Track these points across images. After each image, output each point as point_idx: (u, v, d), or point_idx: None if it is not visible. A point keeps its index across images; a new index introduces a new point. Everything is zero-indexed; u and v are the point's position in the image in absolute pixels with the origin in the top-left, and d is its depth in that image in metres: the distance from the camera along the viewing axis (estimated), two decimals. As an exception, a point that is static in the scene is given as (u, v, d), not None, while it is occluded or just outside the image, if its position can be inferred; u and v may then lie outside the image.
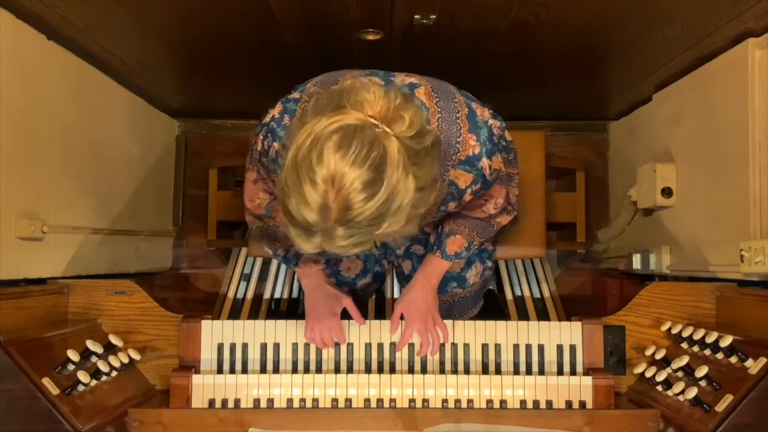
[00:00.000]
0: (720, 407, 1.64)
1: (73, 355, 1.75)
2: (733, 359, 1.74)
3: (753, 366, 1.67)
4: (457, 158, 1.62)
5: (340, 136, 1.32)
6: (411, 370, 2.01)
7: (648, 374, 1.92)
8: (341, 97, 1.40)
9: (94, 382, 1.77)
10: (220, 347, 2.03)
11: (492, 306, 2.40)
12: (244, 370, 2.02)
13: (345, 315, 2.03)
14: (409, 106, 1.42)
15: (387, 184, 1.32)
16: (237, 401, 1.92)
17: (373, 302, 2.63)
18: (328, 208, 1.32)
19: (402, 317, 2.00)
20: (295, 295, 2.87)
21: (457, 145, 1.61)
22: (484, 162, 1.64)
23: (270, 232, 1.92)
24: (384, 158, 1.33)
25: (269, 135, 1.67)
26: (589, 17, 1.96)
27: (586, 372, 1.99)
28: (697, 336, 1.90)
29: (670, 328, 2.02)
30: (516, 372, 2.01)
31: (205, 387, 1.92)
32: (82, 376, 1.71)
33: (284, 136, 1.55)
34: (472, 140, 1.62)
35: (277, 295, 2.87)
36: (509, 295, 2.82)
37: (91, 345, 1.82)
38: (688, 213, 2.32)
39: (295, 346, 2.03)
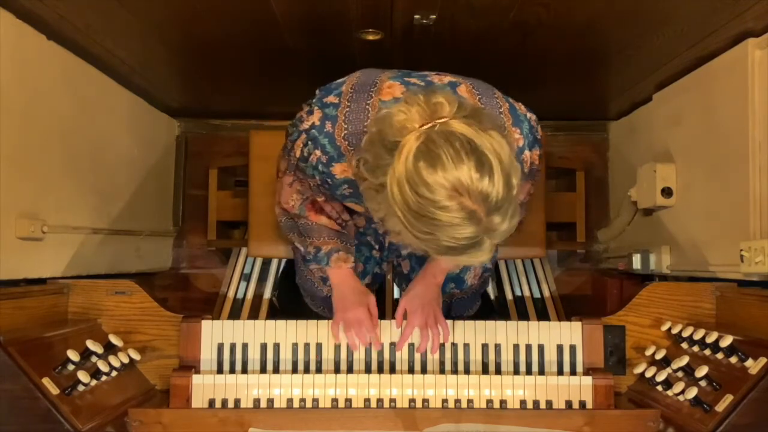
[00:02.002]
0: (720, 407, 1.64)
1: (73, 355, 1.75)
2: (733, 359, 1.74)
3: (753, 366, 1.67)
4: None
5: (423, 159, 1.33)
6: (411, 370, 2.01)
7: (648, 374, 1.92)
8: (383, 139, 1.41)
9: (94, 382, 1.77)
10: (220, 347, 2.03)
11: (482, 307, 2.40)
12: (244, 370, 2.02)
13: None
14: (433, 90, 1.44)
15: (488, 153, 1.34)
16: (237, 401, 1.92)
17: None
18: (474, 211, 1.33)
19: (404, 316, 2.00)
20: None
21: None
22: (526, 155, 1.66)
23: (302, 229, 1.92)
24: (467, 139, 1.34)
25: (309, 143, 1.66)
26: (589, 17, 1.96)
27: (586, 372, 1.99)
28: (697, 336, 1.90)
29: (670, 328, 2.02)
30: (516, 372, 2.01)
31: (205, 387, 1.92)
32: (82, 376, 1.71)
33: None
34: (516, 133, 1.64)
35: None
36: (509, 295, 2.82)
37: (91, 345, 1.82)
38: (688, 213, 2.32)
39: (295, 346, 2.03)
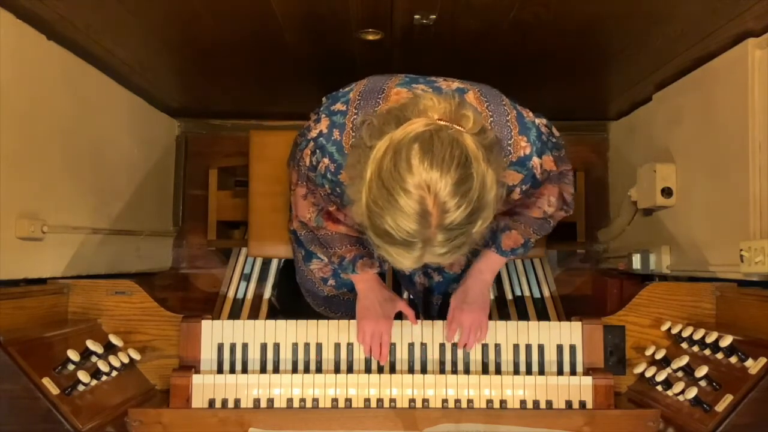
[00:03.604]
0: (720, 407, 1.64)
1: (73, 355, 1.75)
2: (733, 359, 1.74)
3: (753, 366, 1.67)
4: (509, 160, 1.63)
5: (421, 143, 1.34)
6: (411, 370, 2.01)
7: (648, 374, 1.92)
8: (400, 112, 1.42)
9: (94, 382, 1.77)
10: (220, 347, 2.03)
11: None
12: (244, 370, 2.02)
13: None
14: (467, 105, 1.45)
15: (476, 179, 1.35)
16: (237, 401, 1.92)
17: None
18: (428, 213, 1.33)
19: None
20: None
21: (509, 148, 1.62)
22: (535, 161, 1.66)
23: (323, 240, 1.92)
24: (467, 155, 1.35)
25: (317, 151, 1.66)
26: (589, 17, 1.96)
27: (586, 372, 1.99)
28: (697, 336, 1.90)
29: (670, 328, 2.02)
30: (516, 372, 2.01)
31: (205, 387, 1.92)
32: (82, 376, 1.71)
33: (345, 168, 1.56)
34: (523, 141, 1.64)
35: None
36: (509, 295, 2.82)
37: (91, 345, 1.82)
38: (688, 213, 2.32)
39: (295, 346, 2.03)
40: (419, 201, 1.33)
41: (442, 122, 1.38)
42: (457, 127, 1.38)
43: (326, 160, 1.64)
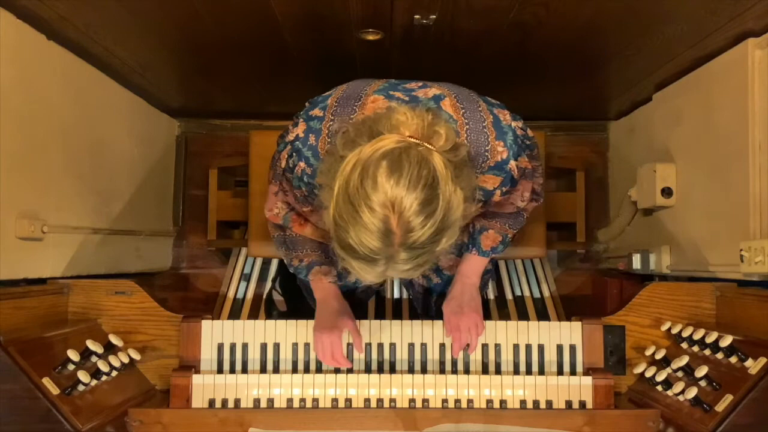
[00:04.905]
0: (720, 407, 1.64)
1: (73, 355, 1.75)
2: (733, 359, 1.74)
3: (753, 366, 1.67)
4: (487, 165, 1.63)
5: (389, 161, 1.34)
6: (411, 370, 2.01)
7: (648, 374, 1.93)
8: (374, 124, 1.42)
9: (94, 382, 1.77)
10: (220, 347, 2.03)
11: None
12: (244, 370, 2.02)
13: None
14: (441, 122, 1.45)
15: (442, 200, 1.35)
16: (237, 401, 1.92)
17: (372, 303, 2.63)
18: (391, 232, 1.33)
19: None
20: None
21: (486, 154, 1.62)
22: (512, 164, 1.66)
23: (288, 241, 1.92)
24: (435, 175, 1.36)
25: (294, 154, 1.67)
26: (589, 17, 1.96)
27: (586, 372, 1.99)
28: (697, 336, 1.90)
29: (670, 328, 2.03)
30: (516, 372, 2.01)
31: (205, 387, 1.92)
32: (82, 376, 1.71)
33: (318, 173, 1.56)
34: (500, 146, 1.64)
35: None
36: (509, 295, 2.82)
37: (91, 345, 1.82)
38: (688, 213, 2.33)
39: (295, 346, 2.03)
40: (383, 219, 1.33)
41: (412, 140, 1.38)
42: (428, 146, 1.38)
43: (302, 164, 1.65)
